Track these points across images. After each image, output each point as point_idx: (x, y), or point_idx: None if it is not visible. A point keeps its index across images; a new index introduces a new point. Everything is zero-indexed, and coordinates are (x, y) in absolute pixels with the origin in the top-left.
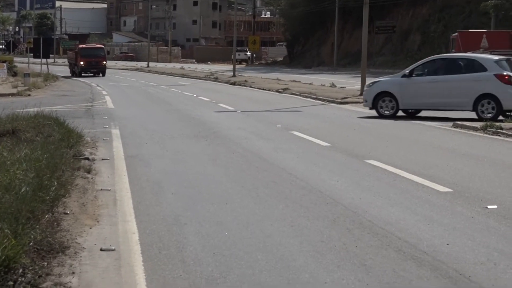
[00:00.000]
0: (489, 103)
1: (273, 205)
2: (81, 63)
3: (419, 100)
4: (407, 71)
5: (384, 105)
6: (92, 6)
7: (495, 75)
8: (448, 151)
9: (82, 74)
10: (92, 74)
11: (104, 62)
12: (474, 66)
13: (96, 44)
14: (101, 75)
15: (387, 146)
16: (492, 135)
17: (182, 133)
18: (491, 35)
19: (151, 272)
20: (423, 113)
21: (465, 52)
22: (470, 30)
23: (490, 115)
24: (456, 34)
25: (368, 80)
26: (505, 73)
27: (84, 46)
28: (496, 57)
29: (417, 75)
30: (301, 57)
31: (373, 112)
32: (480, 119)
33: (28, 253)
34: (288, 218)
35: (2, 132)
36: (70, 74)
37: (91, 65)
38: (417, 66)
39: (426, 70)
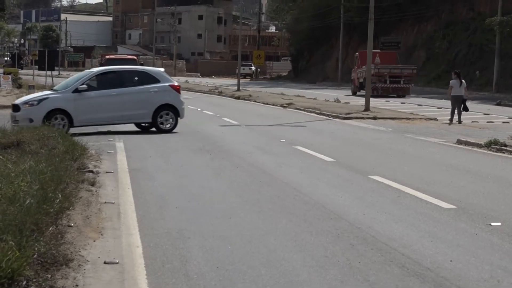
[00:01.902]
0: (168, 114)
1: (276, 220)
2: None
3: (94, 115)
4: (78, 85)
5: (57, 123)
6: (97, 19)
7: (170, 85)
8: (451, 167)
9: None
10: None
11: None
12: (147, 78)
13: (127, 55)
14: None
15: (391, 161)
16: (496, 152)
17: (186, 147)
18: (383, 54)
19: (155, 286)
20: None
21: (361, 68)
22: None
23: (169, 125)
24: (357, 53)
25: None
26: (176, 83)
27: (112, 57)
28: (162, 68)
29: (89, 89)
30: (306, 72)
31: (378, 128)
32: (159, 130)
33: (32, 265)
34: (291, 233)
35: (7, 144)
36: None
37: None
38: (86, 80)
39: (98, 83)
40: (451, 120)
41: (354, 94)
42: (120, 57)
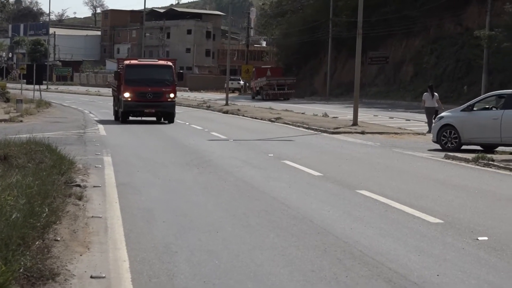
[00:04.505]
0: None
1: (264, 234)
2: (126, 95)
3: None
4: None
5: None
6: (85, 33)
7: None
8: (439, 182)
9: (130, 118)
10: (154, 118)
11: (172, 95)
12: None
13: (158, 59)
14: (167, 121)
15: (379, 176)
16: (483, 167)
17: (174, 161)
18: (273, 69)
19: None
20: None
21: (257, 79)
22: (262, 67)
23: None
24: (254, 69)
25: (361, 110)
26: None
27: (134, 62)
28: None
29: None
30: (294, 86)
31: (366, 143)
32: None
33: (18, 279)
34: (278, 248)
35: None
36: (113, 117)
37: (145, 99)
38: None
39: None
40: (429, 130)
41: (253, 98)
42: (148, 62)
